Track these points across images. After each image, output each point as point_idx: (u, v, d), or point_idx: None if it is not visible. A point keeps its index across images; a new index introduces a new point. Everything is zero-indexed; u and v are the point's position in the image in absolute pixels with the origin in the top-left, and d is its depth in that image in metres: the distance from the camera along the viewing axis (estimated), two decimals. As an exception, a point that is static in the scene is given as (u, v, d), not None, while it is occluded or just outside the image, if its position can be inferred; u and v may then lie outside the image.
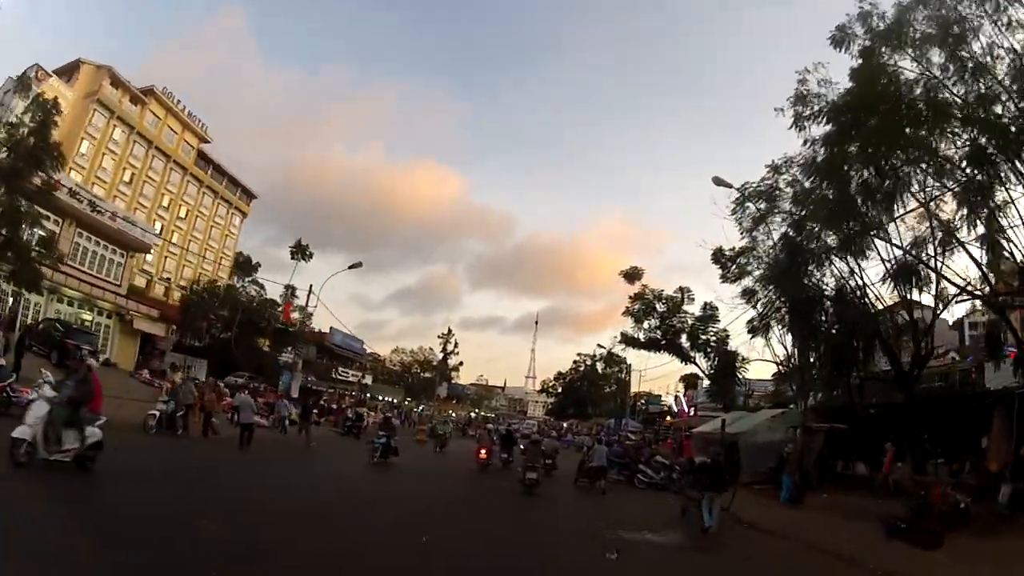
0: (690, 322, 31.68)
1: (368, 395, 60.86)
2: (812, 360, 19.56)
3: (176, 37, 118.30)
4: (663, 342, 32.05)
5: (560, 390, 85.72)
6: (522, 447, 20.88)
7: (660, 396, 47.26)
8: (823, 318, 18.59)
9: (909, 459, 15.51)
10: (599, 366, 72.61)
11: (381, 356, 74.76)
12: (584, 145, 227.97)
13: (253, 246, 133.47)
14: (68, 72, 44.98)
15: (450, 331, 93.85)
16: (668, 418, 40.63)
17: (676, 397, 41.37)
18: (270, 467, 15.05)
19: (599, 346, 74.62)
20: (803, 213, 17.78)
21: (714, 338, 30.37)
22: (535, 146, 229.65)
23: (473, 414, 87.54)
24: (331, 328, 54.55)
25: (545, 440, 23.57)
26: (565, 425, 72.09)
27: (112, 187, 47.34)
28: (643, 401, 49.84)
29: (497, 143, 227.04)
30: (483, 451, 19.37)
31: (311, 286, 75.21)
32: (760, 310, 20.99)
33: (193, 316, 37.61)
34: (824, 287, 18.95)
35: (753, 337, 21.38)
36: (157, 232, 45.93)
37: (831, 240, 17.46)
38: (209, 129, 58.25)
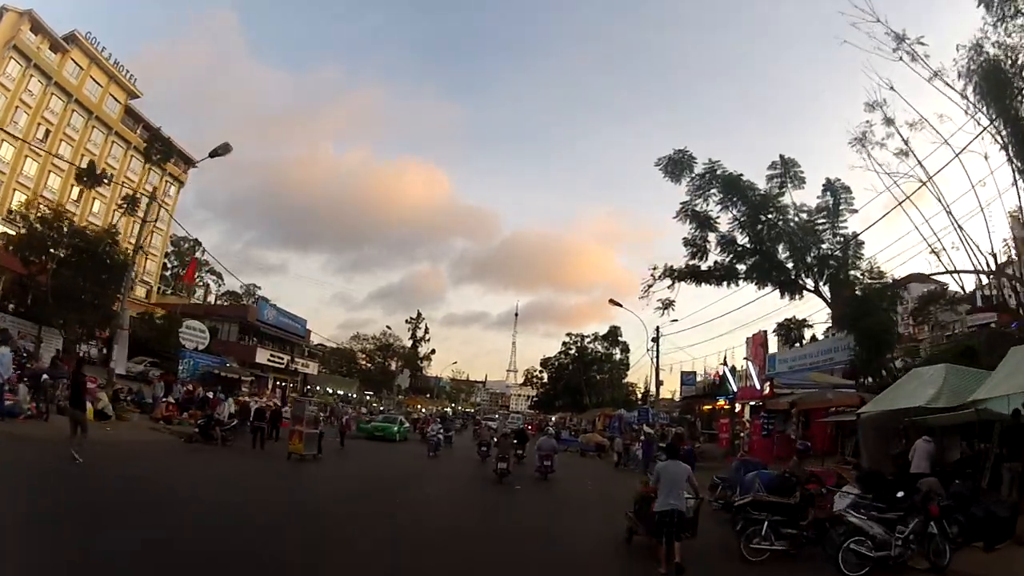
0: (797, 219, 20.11)
1: (310, 387, 48.83)
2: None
3: (166, 36, 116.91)
4: (753, 254, 20.32)
5: (547, 379, 74.00)
6: (495, 440, 20.84)
7: (694, 373, 35.85)
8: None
9: None
10: (597, 347, 61.44)
11: (338, 344, 62.64)
12: (571, 142, 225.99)
13: (234, 249, 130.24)
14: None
15: (419, 315, 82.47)
16: (720, 401, 29.29)
17: (732, 369, 29.93)
18: None
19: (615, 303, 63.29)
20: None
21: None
22: (522, 144, 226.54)
23: (449, 409, 75.81)
24: (256, 299, 42.29)
25: (541, 439, 20.03)
26: (554, 419, 60.88)
27: (22, 146, 40.59)
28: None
29: (484, 141, 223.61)
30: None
31: (196, 239, 63.61)
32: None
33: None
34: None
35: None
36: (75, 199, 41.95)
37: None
38: (139, 82, 50.68)
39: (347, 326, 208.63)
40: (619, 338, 62.13)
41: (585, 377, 62.98)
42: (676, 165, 20.69)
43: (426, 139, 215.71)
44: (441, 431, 24.81)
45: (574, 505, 14.09)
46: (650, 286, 22.27)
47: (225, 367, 41.66)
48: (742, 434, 25.43)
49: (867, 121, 18.30)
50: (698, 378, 35.36)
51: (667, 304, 22.36)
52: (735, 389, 28.02)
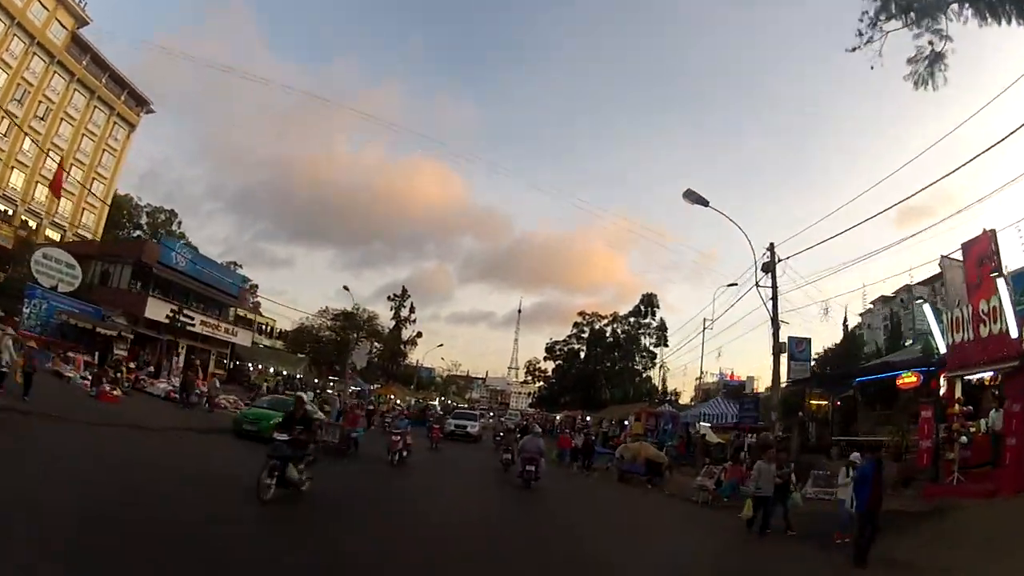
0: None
1: (238, 362, 36.03)
2: None
3: (181, 29, 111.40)
4: None
5: (552, 370, 60.68)
6: (500, 434, 23.97)
7: (807, 341, 22.00)
8: None
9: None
10: (616, 330, 48.19)
11: (305, 319, 49.60)
12: (585, 145, 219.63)
13: (238, 241, 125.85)
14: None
15: (405, 292, 69.53)
16: (907, 376, 15.81)
17: (935, 309, 15.92)
18: None
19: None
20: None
21: None
22: (536, 145, 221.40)
23: (435, 402, 62.83)
24: (159, 234, 30.26)
25: (525, 440, 15.68)
26: (559, 418, 47.95)
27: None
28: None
29: (498, 142, 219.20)
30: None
31: (172, 210, 52.52)
32: None
33: None
34: None
35: None
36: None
37: None
38: (89, 8, 44.01)
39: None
40: (655, 309, 48.45)
41: (601, 366, 49.71)
42: None
43: (440, 138, 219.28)
44: (408, 431, 16.01)
45: None
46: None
47: (100, 320, 29.33)
48: (961, 437, 12.44)
49: None
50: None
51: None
52: (941, 345, 14.85)
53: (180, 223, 68.82)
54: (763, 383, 66.04)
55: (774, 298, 18.22)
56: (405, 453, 15.14)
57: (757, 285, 18.24)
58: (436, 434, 21.99)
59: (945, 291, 15.97)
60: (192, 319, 34.70)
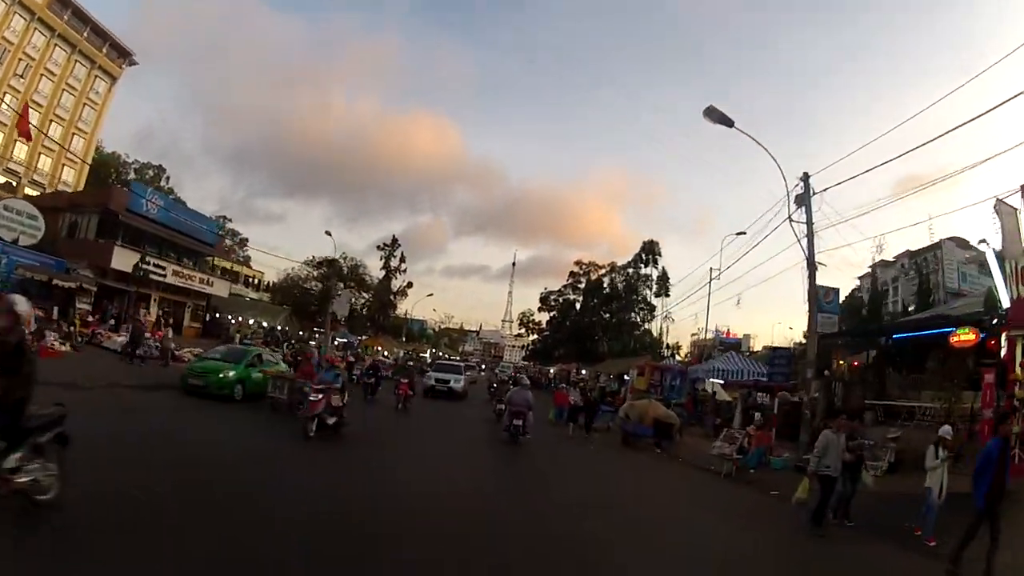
0: None
1: (217, 315, 33.95)
2: None
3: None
4: None
5: (547, 321, 58.97)
6: (494, 386, 24.02)
7: (836, 291, 19.72)
8: None
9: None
10: (614, 280, 46.13)
11: (291, 268, 46.93)
12: (583, 97, 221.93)
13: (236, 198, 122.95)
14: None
15: (395, 241, 66.92)
16: (963, 333, 13.78)
17: (997, 256, 13.64)
18: None
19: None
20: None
21: None
22: (531, 97, 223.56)
23: (426, 354, 61.47)
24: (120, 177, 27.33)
25: (513, 392, 14.78)
26: (553, 371, 46.63)
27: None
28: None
29: (494, 93, 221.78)
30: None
31: (160, 165, 52.10)
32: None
33: None
34: None
35: None
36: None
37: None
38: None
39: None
40: (656, 257, 46.07)
41: (597, 318, 47.88)
42: None
43: (437, 89, 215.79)
44: (337, 385, 11.46)
45: None
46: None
47: (62, 272, 26.96)
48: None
49: None
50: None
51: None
52: (1005, 299, 12.80)
53: (168, 178, 68.18)
54: (759, 342, 64.88)
55: (809, 236, 16.06)
56: (332, 421, 10.91)
57: (790, 218, 16.06)
58: (404, 390, 17.33)
59: (1002, 239, 13.85)
60: (163, 269, 32.21)
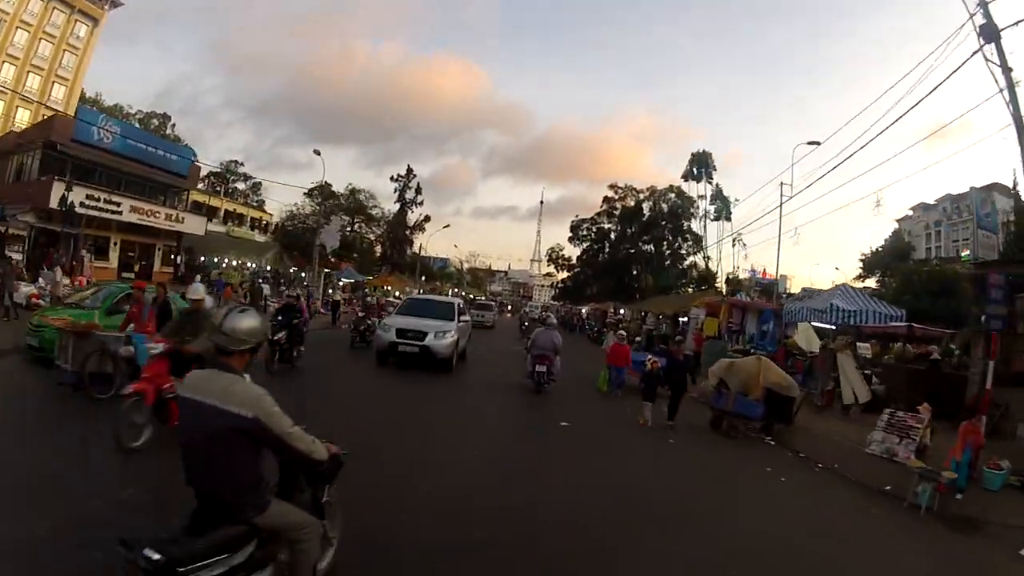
0: None
1: (186, 257, 29.04)
2: None
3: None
4: None
5: (578, 256, 52.49)
6: (525, 324, 25.12)
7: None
8: None
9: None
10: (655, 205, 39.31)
11: (297, 205, 41.27)
12: (611, 38, 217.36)
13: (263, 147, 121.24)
14: None
15: (410, 171, 61.09)
16: None
17: None
18: None
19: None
20: None
21: None
22: (561, 37, 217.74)
23: (450, 294, 56.07)
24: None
25: (537, 333, 12.61)
26: (585, 311, 40.98)
27: None
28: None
29: (522, 36, 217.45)
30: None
31: (166, 114, 46.41)
32: None
33: None
34: None
35: None
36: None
37: None
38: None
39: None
40: (710, 172, 38.57)
41: (636, 249, 41.35)
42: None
43: (462, 31, 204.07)
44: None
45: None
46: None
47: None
48: None
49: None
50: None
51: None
52: None
53: (174, 126, 62.93)
54: (795, 284, 57.54)
55: (1009, 83, 9.52)
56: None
57: (982, 51, 9.48)
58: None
59: None
60: (117, 205, 26.99)
